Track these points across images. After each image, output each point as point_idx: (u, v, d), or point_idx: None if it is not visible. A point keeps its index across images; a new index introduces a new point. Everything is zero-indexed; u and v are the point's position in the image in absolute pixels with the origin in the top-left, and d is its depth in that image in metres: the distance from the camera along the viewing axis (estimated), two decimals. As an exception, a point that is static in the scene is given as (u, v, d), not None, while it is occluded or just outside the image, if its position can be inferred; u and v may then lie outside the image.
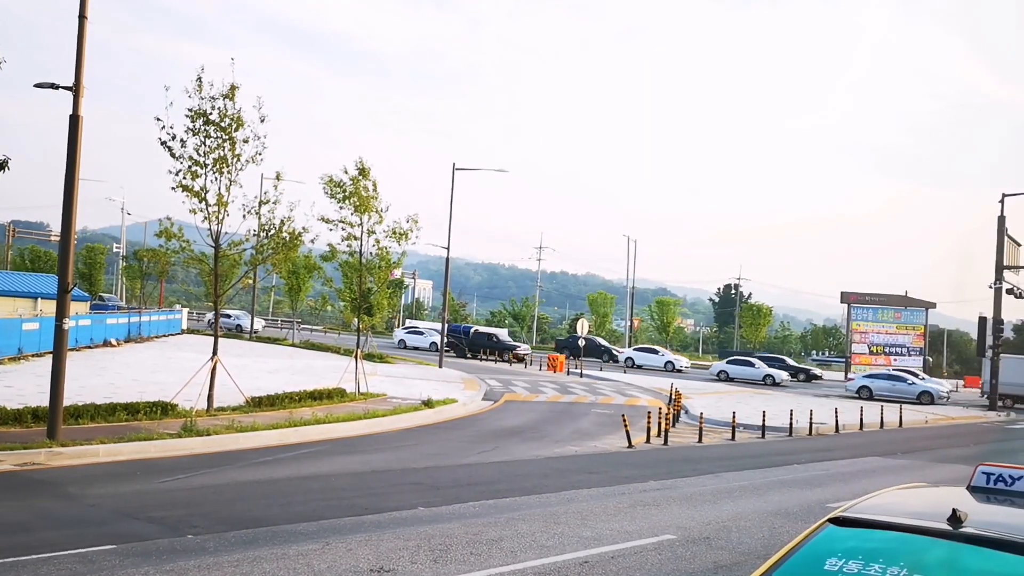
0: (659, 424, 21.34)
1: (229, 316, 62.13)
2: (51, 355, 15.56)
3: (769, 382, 49.39)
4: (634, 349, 60.68)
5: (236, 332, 57.95)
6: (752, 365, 52.08)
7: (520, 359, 51.20)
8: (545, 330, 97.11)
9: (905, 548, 3.50)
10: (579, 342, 47.51)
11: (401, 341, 58.09)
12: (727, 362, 54.12)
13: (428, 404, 23.16)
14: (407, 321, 80.00)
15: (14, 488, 11.50)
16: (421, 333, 59.04)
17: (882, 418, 29.21)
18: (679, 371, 55.19)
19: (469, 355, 50.89)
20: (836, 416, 27.14)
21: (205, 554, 8.43)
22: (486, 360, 49.70)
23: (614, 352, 61.51)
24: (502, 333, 58.44)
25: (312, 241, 21.37)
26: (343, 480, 13.40)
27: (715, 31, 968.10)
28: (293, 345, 49.72)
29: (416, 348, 56.05)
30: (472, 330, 54.58)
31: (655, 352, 59.02)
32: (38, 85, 15.00)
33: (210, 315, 61.55)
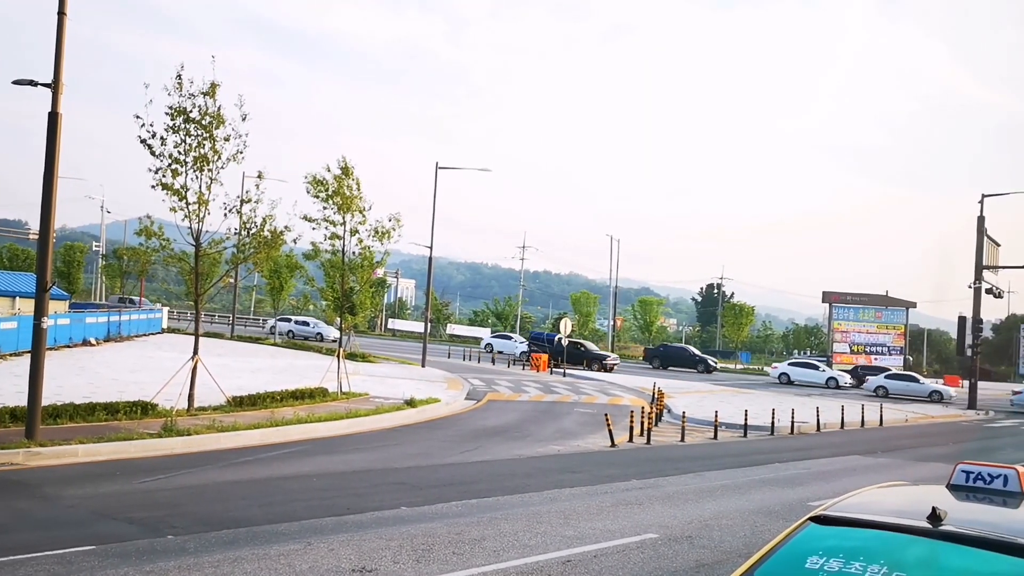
0: (642, 423, 21.38)
1: (307, 324, 60.53)
2: (30, 354, 15.40)
3: (833, 386, 49.33)
4: (788, 364, 55.07)
5: (315, 341, 55.30)
6: (816, 368, 52.14)
7: (609, 370, 49.70)
8: (528, 329, 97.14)
9: (885, 546, 3.52)
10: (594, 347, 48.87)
11: (488, 345, 58.55)
12: (788, 364, 54.43)
13: (411, 403, 23.10)
14: (451, 327, 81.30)
15: (-9, 489, 11.37)
16: (510, 339, 60.15)
17: (863, 417, 29.40)
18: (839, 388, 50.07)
19: (554, 365, 47.69)
20: (817, 415, 27.30)
21: (185, 555, 8.36)
22: (572, 371, 46.50)
23: (709, 362, 58.19)
24: (589, 344, 55.40)
25: (295, 240, 21.28)
26: (325, 480, 13.34)
27: (699, 32, 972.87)
28: (275, 344, 49.47)
29: (502, 353, 56.16)
30: (556, 338, 50.94)
31: (815, 368, 53.28)
32: (16, 82, 14.85)
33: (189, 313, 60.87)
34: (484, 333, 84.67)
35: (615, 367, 51.28)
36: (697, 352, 59.93)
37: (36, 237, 23.74)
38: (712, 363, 57.39)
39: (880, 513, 3.81)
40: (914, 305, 65.31)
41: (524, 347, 56.33)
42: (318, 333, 58.53)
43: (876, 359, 61.87)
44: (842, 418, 28.26)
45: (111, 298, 69.45)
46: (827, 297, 64.88)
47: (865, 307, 63.95)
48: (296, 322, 61.05)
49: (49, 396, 16.26)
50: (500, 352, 56.18)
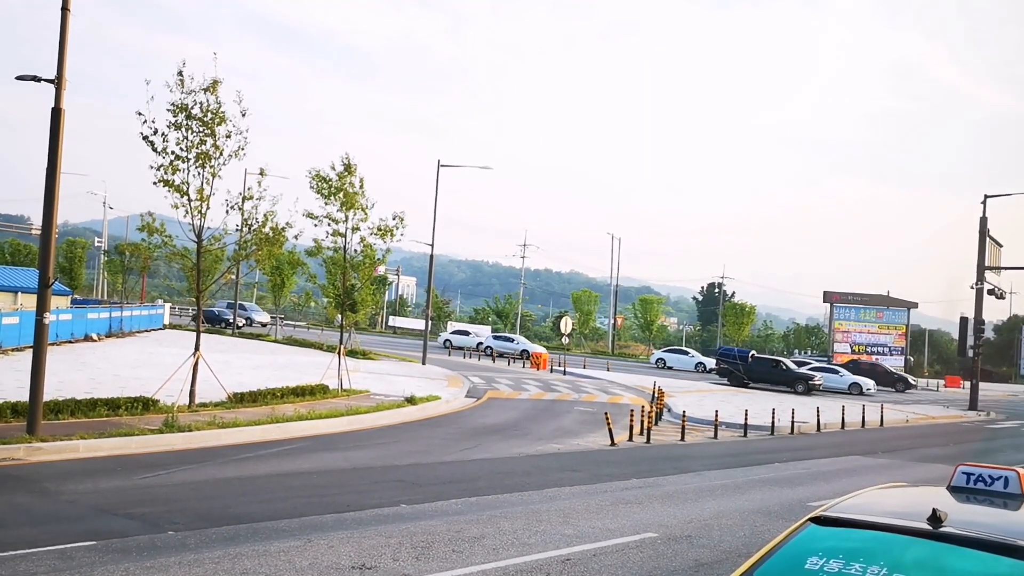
0: (642, 422, 21.38)
1: (511, 340, 56.68)
2: (31, 350, 15.41)
3: (856, 392, 46.16)
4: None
5: (518, 358, 51.96)
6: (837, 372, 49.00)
7: (810, 392, 42.01)
8: (528, 327, 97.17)
9: (885, 547, 3.52)
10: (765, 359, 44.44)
11: (447, 341, 58.33)
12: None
13: (411, 401, 23.12)
14: (452, 324, 79.91)
15: (-8, 484, 11.38)
16: (468, 334, 59.90)
17: (863, 417, 29.40)
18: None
19: (747, 384, 42.74)
20: (818, 415, 27.30)
21: (186, 551, 8.38)
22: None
23: (812, 381, 43.27)
24: (787, 361, 47.27)
25: (296, 237, 21.29)
26: (325, 477, 13.36)
27: (698, 30, 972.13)
28: (276, 341, 49.48)
29: (461, 348, 56.50)
30: (750, 354, 45.52)
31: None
32: (20, 77, 14.84)
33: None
34: (485, 330, 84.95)
35: (818, 387, 43.08)
36: (791, 364, 46.44)
37: (38, 232, 23.73)
38: (815, 382, 43.29)
39: (880, 514, 3.82)
40: (915, 306, 65.35)
41: (482, 340, 56.65)
42: (523, 351, 53.18)
43: (878, 359, 61.88)
44: (843, 418, 28.26)
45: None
46: (828, 297, 64.95)
47: (866, 307, 64.00)
48: (497, 337, 58.35)
49: (51, 391, 16.29)
50: (460, 348, 56.16)
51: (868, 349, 63.41)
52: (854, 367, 52.53)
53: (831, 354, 63.18)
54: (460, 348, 56.65)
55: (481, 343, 57.84)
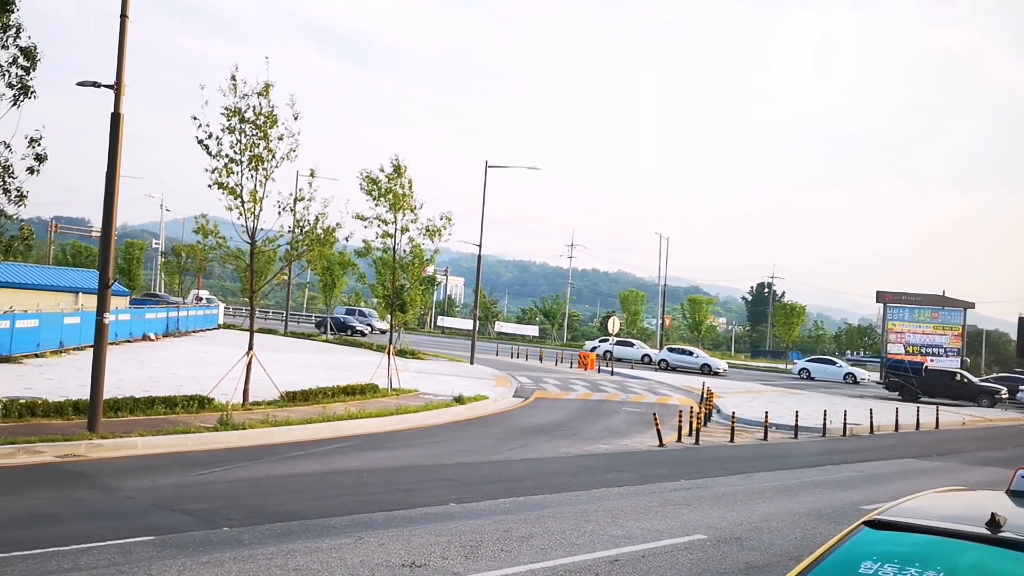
0: (690, 423, 21.23)
1: (691, 353, 52.95)
2: (92, 348, 15.82)
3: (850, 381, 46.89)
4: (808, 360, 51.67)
5: (702, 372, 49.36)
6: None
7: (995, 404, 39.47)
8: (576, 327, 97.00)
9: (941, 552, 3.47)
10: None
11: (608, 353, 54.24)
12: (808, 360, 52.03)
13: (459, 400, 23.25)
14: (499, 324, 78.77)
15: (55, 479, 11.73)
16: (631, 345, 56.64)
17: (918, 419, 28.80)
18: None
19: (920, 399, 39.53)
20: (871, 417, 26.82)
21: (240, 546, 8.55)
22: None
23: (999, 394, 40.10)
24: (969, 375, 44.10)
25: (347, 238, 21.57)
26: (375, 475, 13.50)
27: (745, 28, 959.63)
28: (327, 341, 50.15)
29: (620, 360, 52.63)
30: (924, 366, 43.05)
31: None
32: (81, 83, 15.26)
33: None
34: (532, 330, 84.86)
35: (1003, 400, 40.11)
36: (970, 376, 42.86)
37: (99, 235, 24.34)
38: (1001, 395, 39.81)
39: (936, 518, 3.76)
40: (972, 306, 63.70)
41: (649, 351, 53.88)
42: (704, 365, 50.69)
43: (932, 360, 60.53)
44: (896, 420, 27.72)
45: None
46: (881, 297, 63.56)
47: (921, 307, 62.56)
48: (672, 349, 54.83)
49: (110, 389, 16.71)
50: (675, 368, 50.71)
51: (923, 350, 62.01)
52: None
53: (884, 355, 61.91)
54: (619, 360, 52.08)
55: (647, 355, 54.59)
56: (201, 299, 62.89)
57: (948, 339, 62.00)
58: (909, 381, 41.20)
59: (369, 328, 61.54)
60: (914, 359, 47.20)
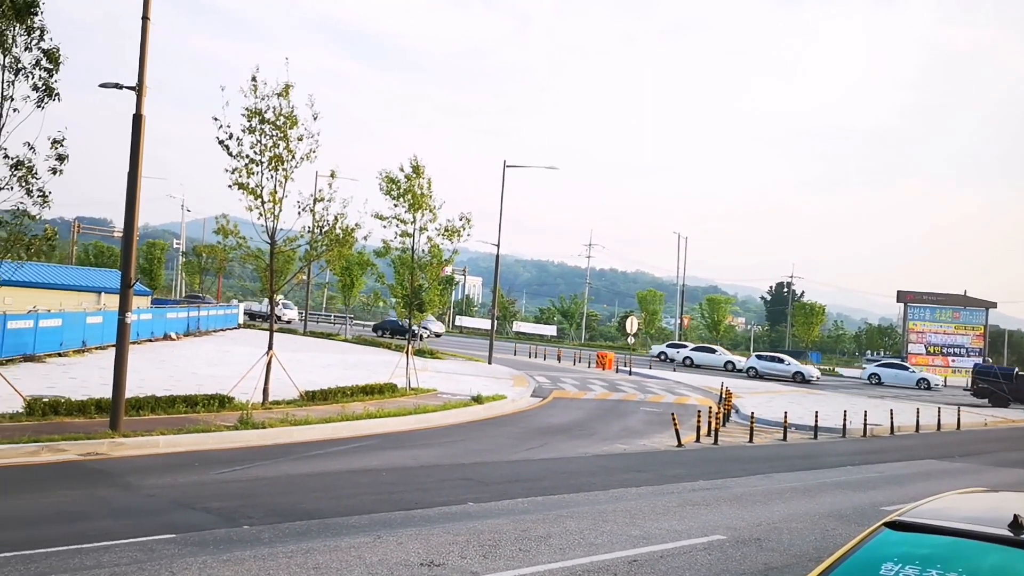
0: (709, 423, 21.16)
1: (782, 360, 49.90)
2: (114, 348, 15.97)
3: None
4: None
5: (789, 382, 46.84)
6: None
7: None
8: (594, 327, 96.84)
9: (963, 554, 3.45)
10: None
11: (688, 359, 54.83)
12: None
13: (477, 400, 23.29)
14: (517, 324, 77.68)
15: (77, 477, 11.85)
16: (713, 351, 55.59)
17: (939, 420, 28.56)
18: None
19: (1004, 405, 38.56)
20: (891, 417, 26.61)
21: (260, 544, 8.61)
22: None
23: None
24: None
25: (366, 238, 21.66)
26: (393, 475, 13.55)
27: (763, 27, 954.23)
28: (346, 340, 50.36)
29: (700, 366, 53.05)
30: (1015, 372, 41.30)
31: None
32: (103, 85, 15.40)
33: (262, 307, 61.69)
34: (550, 330, 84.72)
35: None
36: None
37: (120, 235, 24.54)
38: None
39: (958, 520, 3.74)
40: (994, 305, 63.09)
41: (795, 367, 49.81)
42: (796, 373, 48.23)
43: (954, 360, 60.01)
44: (917, 421, 27.49)
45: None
46: (902, 296, 63.08)
47: (942, 307, 62.04)
48: (761, 356, 51.77)
49: (132, 388, 16.87)
50: (763, 376, 47.97)
51: (944, 350, 61.49)
52: None
53: (905, 355, 61.44)
54: (699, 366, 52.02)
55: (731, 362, 52.76)
56: (277, 303, 62.66)
57: (970, 339, 61.43)
58: (999, 387, 39.62)
59: (427, 332, 59.25)
60: (1006, 366, 45.15)
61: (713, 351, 55.95)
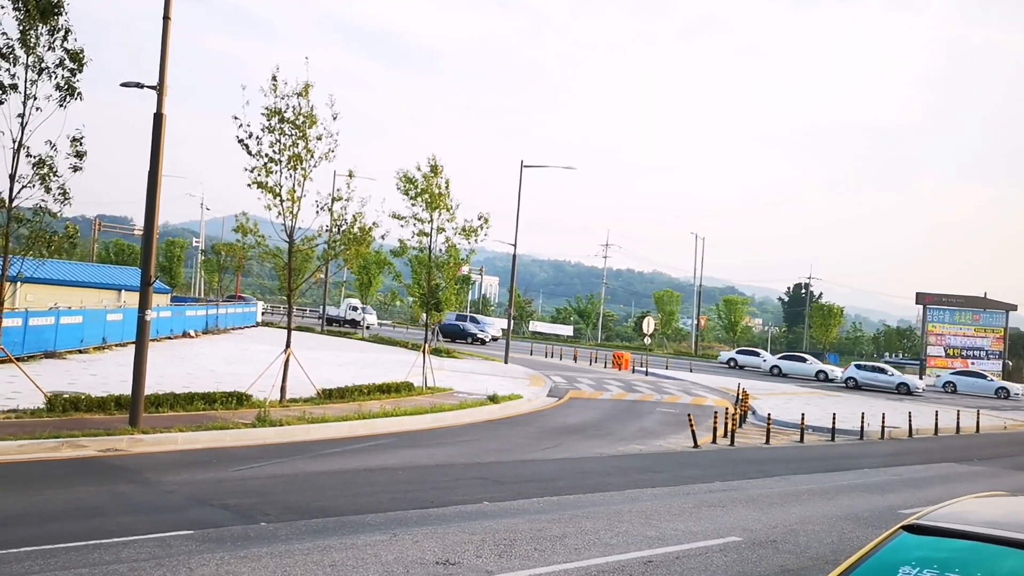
0: (725, 424, 21.09)
1: (883, 371, 46.93)
2: (133, 345, 16.09)
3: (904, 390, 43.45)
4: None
5: (892, 392, 44.85)
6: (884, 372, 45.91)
7: None
8: (610, 328, 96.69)
9: (981, 558, 3.43)
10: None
11: (732, 360, 54.70)
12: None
13: (493, 399, 23.31)
14: (533, 324, 76.32)
15: (97, 473, 11.96)
16: (756, 355, 55.32)
17: (958, 423, 28.34)
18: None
19: None
20: (910, 420, 26.43)
21: (277, 541, 8.66)
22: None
23: None
24: None
25: (383, 237, 21.72)
26: (409, 473, 13.59)
27: (781, 27, 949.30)
28: (363, 339, 50.55)
29: (744, 368, 53.43)
30: None
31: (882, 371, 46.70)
32: (124, 84, 15.52)
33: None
34: (566, 330, 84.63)
35: None
36: None
37: (141, 233, 24.71)
38: None
39: (977, 523, 3.72)
40: (1015, 308, 62.56)
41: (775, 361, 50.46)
42: (900, 384, 45.49)
43: (973, 363, 59.50)
44: (936, 423, 27.28)
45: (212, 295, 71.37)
46: (921, 298, 62.66)
47: (962, 309, 61.58)
48: (861, 367, 47.96)
49: (151, 385, 16.99)
50: (863, 387, 45.42)
51: (963, 352, 60.99)
52: None
53: (924, 357, 61.00)
54: (787, 376, 49.97)
55: (823, 372, 49.92)
56: (356, 308, 62.49)
57: (989, 341, 60.92)
58: None
59: (487, 336, 58.48)
60: None
61: (803, 360, 52.47)
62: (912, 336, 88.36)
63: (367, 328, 58.69)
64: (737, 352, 57.32)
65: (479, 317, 64.07)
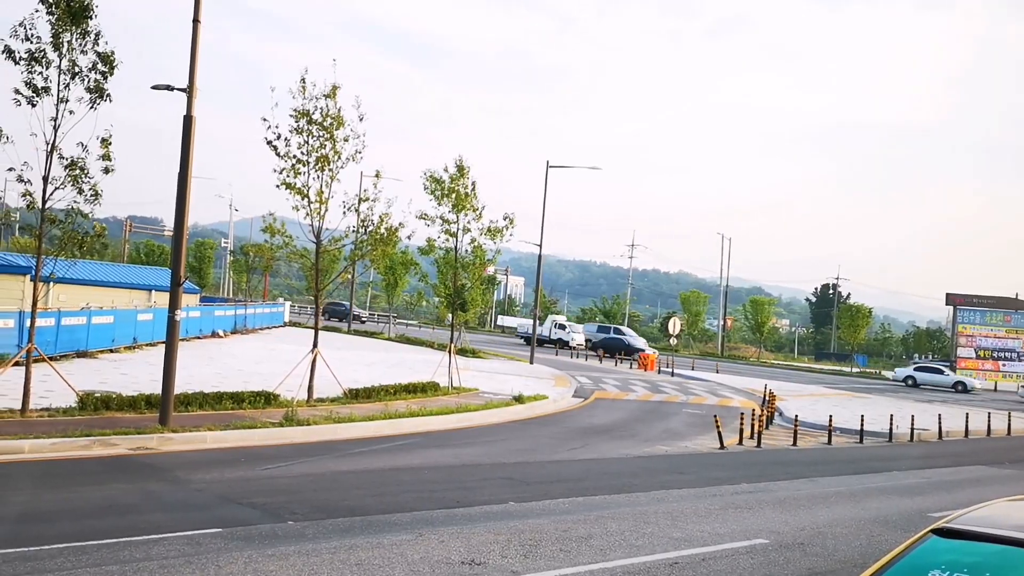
0: (752, 426, 20.96)
1: (940, 371, 48.76)
2: (163, 344, 16.26)
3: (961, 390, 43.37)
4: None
5: (955, 390, 46.72)
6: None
7: None
8: (636, 328, 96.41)
9: (1013, 563, 3.40)
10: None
11: (909, 378, 51.87)
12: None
13: (519, 400, 23.32)
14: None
15: (127, 471, 12.12)
16: (941, 372, 52.32)
17: (989, 425, 27.96)
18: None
19: None
20: (939, 422, 26.12)
21: (304, 540, 8.74)
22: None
23: None
24: None
25: (409, 237, 21.82)
26: (435, 473, 13.64)
27: (810, 27, 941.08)
28: (389, 339, 50.78)
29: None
30: None
31: None
32: (155, 87, 15.72)
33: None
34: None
35: None
36: None
37: (171, 234, 24.97)
38: None
39: (1008, 527, 3.68)
40: (1049, 309, 61.54)
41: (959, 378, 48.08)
42: (957, 383, 47.51)
43: (1004, 365, 58.69)
44: (966, 426, 26.94)
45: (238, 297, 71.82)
46: (951, 299, 61.88)
47: (993, 310, 60.74)
48: (920, 368, 50.38)
49: (181, 385, 17.17)
50: (921, 386, 47.00)
51: (994, 354, 60.13)
52: None
53: (954, 359, 60.21)
54: (921, 386, 49.48)
55: (961, 383, 49.48)
56: (565, 327, 61.91)
57: (1021, 343, 60.04)
58: None
59: (573, 340, 58.30)
60: None
61: (940, 371, 52.15)
62: (942, 337, 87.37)
63: (575, 347, 57.60)
64: (915, 369, 53.79)
65: (565, 322, 63.46)
